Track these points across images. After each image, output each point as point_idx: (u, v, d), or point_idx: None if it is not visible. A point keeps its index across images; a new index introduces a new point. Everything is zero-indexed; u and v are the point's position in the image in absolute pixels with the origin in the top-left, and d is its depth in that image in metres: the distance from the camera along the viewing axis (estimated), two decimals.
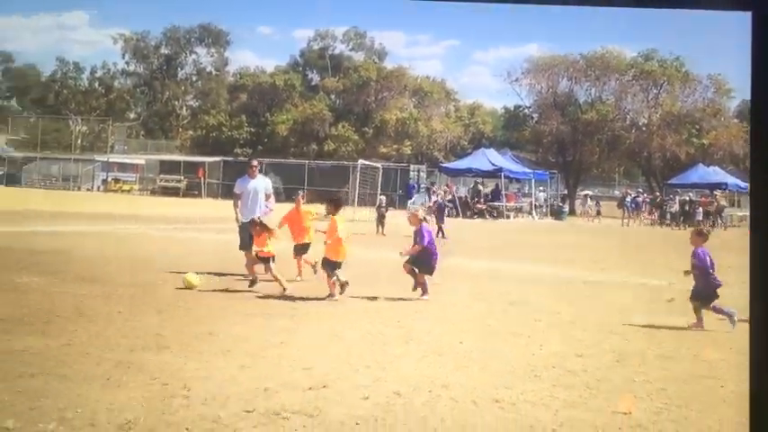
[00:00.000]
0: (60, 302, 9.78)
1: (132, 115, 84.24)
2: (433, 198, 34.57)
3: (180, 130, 78.58)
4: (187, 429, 5.34)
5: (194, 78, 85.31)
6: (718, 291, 9.82)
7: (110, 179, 54.77)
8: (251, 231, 11.60)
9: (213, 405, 5.87)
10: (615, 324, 9.75)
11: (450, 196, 39.21)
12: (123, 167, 58.03)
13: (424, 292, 11.27)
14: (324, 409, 5.83)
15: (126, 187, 52.83)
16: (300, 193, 14.48)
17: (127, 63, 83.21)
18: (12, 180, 53.59)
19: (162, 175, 52.40)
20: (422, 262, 11.43)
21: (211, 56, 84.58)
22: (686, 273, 10.07)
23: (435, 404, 6.15)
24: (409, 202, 43.72)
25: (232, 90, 75.28)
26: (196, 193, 46.33)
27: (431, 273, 11.50)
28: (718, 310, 9.77)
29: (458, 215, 37.44)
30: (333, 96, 71.00)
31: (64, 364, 6.80)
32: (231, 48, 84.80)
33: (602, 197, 53.68)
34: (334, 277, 10.97)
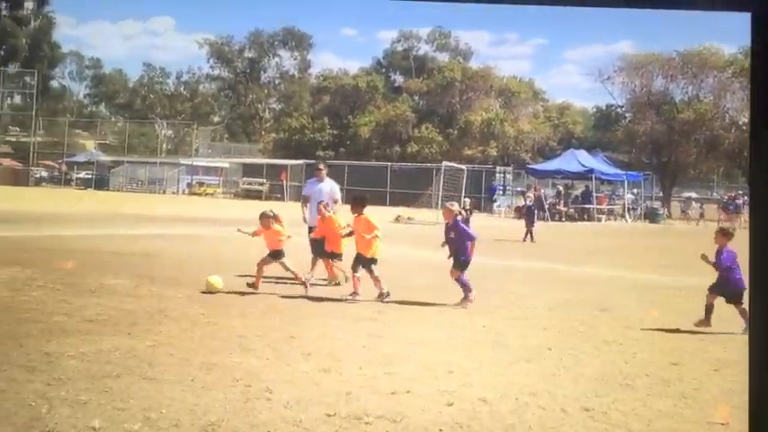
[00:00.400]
0: (146, 304, 10.07)
1: (216, 119, 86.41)
2: (524, 201, 34.19)
3: (263, 133, 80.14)
4: None
5: (277, 81, 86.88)
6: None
7: (194, 182, 56.30)
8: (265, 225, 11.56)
9: (295, 408, 5.92)
10: (712, 332, 9.41)
11: (537, 199, 38.69)
12: (207, 171, 59.56)
13: (467, 294, 10.95)
14: (407, 415, 5.80)
15: (210, 190, 54.19)
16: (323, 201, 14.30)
17: (211, 67, 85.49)
18: (100, 183, 55.72)
19: (245, 178, 53.52)
20: (455, 258, 11.13)
21: (294, 59, 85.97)
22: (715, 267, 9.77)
23: (523, 412, 6.05)
24: (495, 204, 43.37)
25: (315, 92, 76.30)
26: (279, 196, 47.10)
27: (462, 268, 11.06)
28: (744, 313, 9.30)
29: (546, 218, 36.90)
30: (416, 98, 71.08)
31: (149, 366, 6.97)
32: (314, 50, 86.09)
33: (700, 199, 52.02)
34: (359, 273, 11.20)
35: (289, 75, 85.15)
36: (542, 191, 42.55)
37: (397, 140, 64.89)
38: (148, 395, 6.08)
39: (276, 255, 11.36)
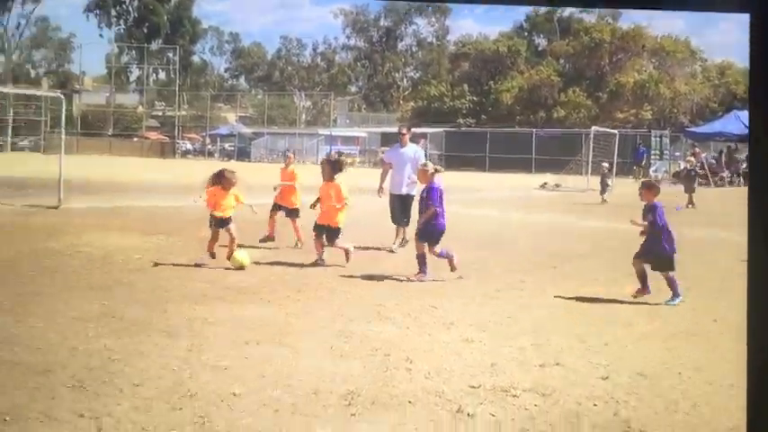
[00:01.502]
0: (286, 272, 10.24)
1: (353, 89, 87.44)
2: (683, 165, 32.68)
3: (401, 102, 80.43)
4: (410, 402, 5.29)
5: (414, 49, 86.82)
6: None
7: (333, 152, 57.29)
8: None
9: (436, 379, 5.80)
10: None
11: (698, 163, 36.84)
12: (346, 140, 60.46)
13: (451, 263, 10.09)
14: (557, 388, 5.56)
15: (349, 160, 54.98)
16: (289, 153, 13.98)
17: (347, 37, 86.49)
18: (241, 155, 57.73)
19: (383, 148, 53.91)
20: (427, 230, 10.05)
21: (432, 26, 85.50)
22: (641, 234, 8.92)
23: (687, 387, 5.67)
24: (651, 170, 41.68)
25: (453, 59, 75.73)
26: None
27: (435, 242, 10.07)
28: (672, 282, 8.75)
29: (708, 183, 35.10)
30: (562, 61, 69.20)
31: (288, 333, 7.04)
32: (452, 16, 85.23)
33: None
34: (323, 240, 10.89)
35: (426, 42, 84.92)
36: (703, 155, 40.49)
37: (542, 106, 63.48)
38: (287, 363, 6.12)
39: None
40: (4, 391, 5.12)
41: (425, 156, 13.75)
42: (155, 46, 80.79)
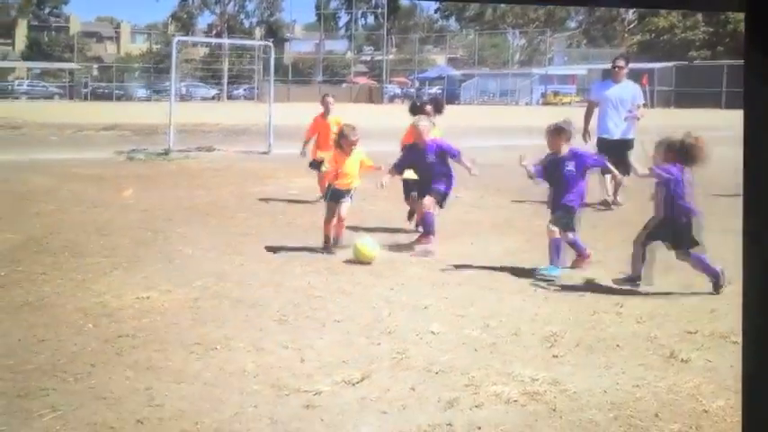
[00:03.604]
0: (490, 215, 10.35)
1: (573, 24, 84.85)
2: None
3: (625, 35, 77.15)
4: (618, 346, 5.25)
5: None
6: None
7: (548, 92, 56.32)
8: None
9: (649, 323, 5.70)
10: None
11: None
12: (562, 79, 59.15)
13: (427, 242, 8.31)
14: None
15: (565, 99, 53.87)
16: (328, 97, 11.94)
17: None
18: (451, 97, 58.16)
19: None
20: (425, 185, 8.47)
21: None
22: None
23: None
24: None
25: None
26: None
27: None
28: (573, 245, 7.43)
29: None
30: None
31: (489, 275, 7.16)
32: None
33: None
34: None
35: None
36: None
37: None
38: (489, 304, 6.24)
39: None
40: (216, 323, 5.61)
41: (647, 96, 12.26)
42: None
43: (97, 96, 59.20)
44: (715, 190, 9.99)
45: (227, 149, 19.13)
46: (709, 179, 10.53)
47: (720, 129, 14.19)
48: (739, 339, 5.19)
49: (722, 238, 6.33)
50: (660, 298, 6.38)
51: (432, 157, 8.32)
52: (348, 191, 8.21)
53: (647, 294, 6.47)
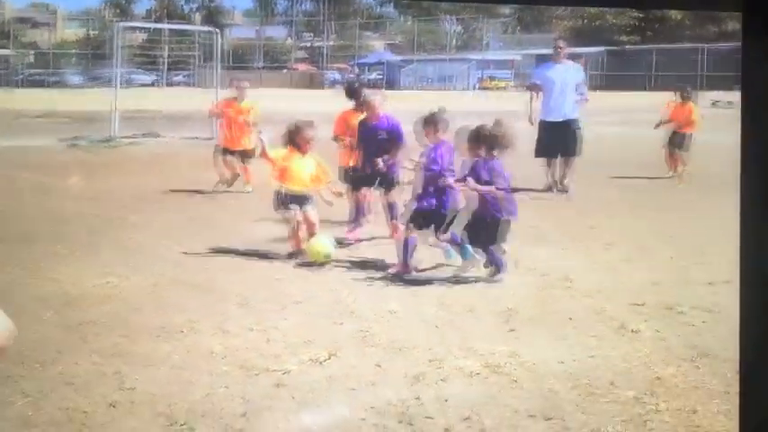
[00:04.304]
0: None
1: (507, 10, 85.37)
2: None
3: (555, 20, 77.96)
4: (570, 319, 5.39)
5: None
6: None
7: (485, 77, 56.76)
8: None
9: (598, 297, 5.86)
10: None
11: None
12: (498, 64, 59.64)
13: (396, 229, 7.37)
14: (726, 306, 5.50)
15: (501, 84, 54.28)
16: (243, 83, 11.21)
17: None
18: (391, 83, 58.15)
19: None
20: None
21: None
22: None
23: None
24: None
25: None
26: None
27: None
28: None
29: None
30: None
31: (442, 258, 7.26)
32: None
33: None
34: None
35: None
36: None
37: (713, 19, 59.97)
38: (442, 285, 6.33)
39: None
40: (178, 307, 5.60)
41: (585, 78, 11.93)
42: None
43: (32, 83, 57.66)
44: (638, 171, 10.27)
45: (173, 136, 18.87)
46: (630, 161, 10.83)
47: (644, 110, 14.58)
48: (684, 310, 5.42)
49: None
50: (607, 273, 6.56)
51: (383, 134, 7.70)
52: (306, 195, 7.13)
53: (593, 270, 6.64)
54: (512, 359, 4.64)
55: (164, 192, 10.54)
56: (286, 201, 7.12)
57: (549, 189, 10.75)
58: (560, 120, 10.79)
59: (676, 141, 11.79)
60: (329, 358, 4.64)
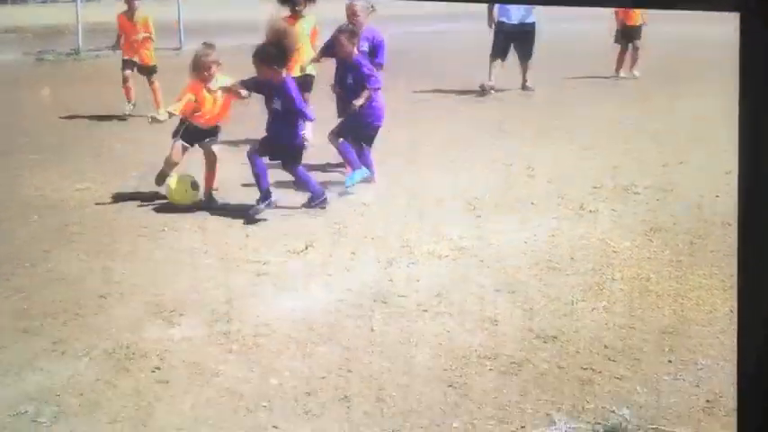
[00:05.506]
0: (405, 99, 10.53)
1: None
2: None
3: None
4: (533, 204, 5.60)
5: None
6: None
7: None
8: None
9: (558, 183, 6.06)
10: None
11: None
12: None
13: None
14: (679, 184, 5.74)
15: None
16: None
17: None
18: None
19: None
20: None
21: None
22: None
23: None
24: None
25: None
26: None
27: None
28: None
29: None
30: None
31: (411, 151, 7.39)
32: None
33: None
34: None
35: None
36: None
37: None
38: (411, 177, 6.47)
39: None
40: (157, 207, 5.71)
41: None
42: None
43: None
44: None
45: None
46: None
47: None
48: (639, 190, 5.64)
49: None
50: (567, 161, 6.76)
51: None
52: (214, 130, 6.05)
53: (554, 159, 6.83)
54: (478, 242, 4.85)
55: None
56: (179, 132, 5.98)
57: (483, 91, 10.29)
58: (515, 22, 10.55)
59: (629, 35, 11.40)
60: (306, 249, 4.81)
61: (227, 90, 5.85)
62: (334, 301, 4.11)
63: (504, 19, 10.59)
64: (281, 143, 5.70)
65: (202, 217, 5.49)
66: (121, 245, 4.96)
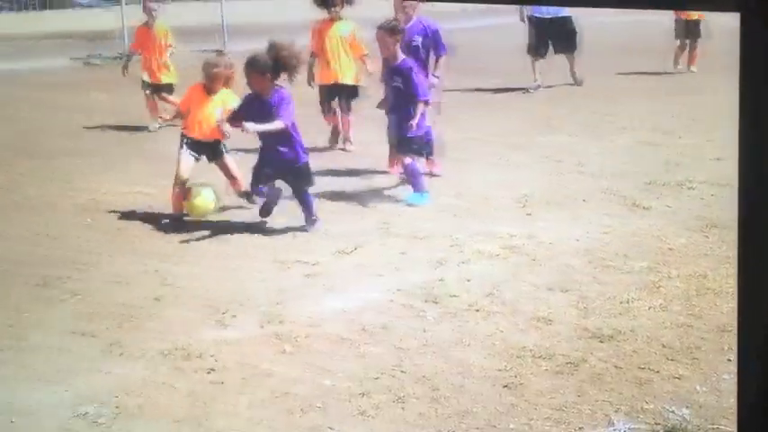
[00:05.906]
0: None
1: None
2: None
3: None
4: (584, 200, 5.55)
5: None
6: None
7: None
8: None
9: (610, 179, 5.99)
10: None
11: None
12: None
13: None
14: (734, 178, 5.61)
15: None
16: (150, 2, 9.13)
17: None
18: None
19: None
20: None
21: None
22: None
23: None
24: None
25: None
26: None
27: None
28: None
29: None
30: None
31: (456, 148, 7.35)
32: None
33: None
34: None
35: None
36: None
37: None
38: (457, 175, 6.44)
39: None
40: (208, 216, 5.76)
41: None
42: None
43: (41, 6, 56.81)
44: None
45: (182, 49, 18.77)
46: None
47: None
48: (694, 185, 5.55)
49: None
50: (618, 156, 6.68)
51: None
52: (216, 143, 5.75)
53: (605, 154, 6.75)
54: (529, 240, 4.81)
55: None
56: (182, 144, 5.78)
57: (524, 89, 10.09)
58: (549, 16, 10.22)
59: (689, 31, 10.91)
60: (355, 249, 4.81)
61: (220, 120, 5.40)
62: (385, 301, 4.11)
63: (536, 14, 10.40)
64: (282, 160, 5.25)
65: (250, 219, 5.51)
66: (173, 247, 5.02)
